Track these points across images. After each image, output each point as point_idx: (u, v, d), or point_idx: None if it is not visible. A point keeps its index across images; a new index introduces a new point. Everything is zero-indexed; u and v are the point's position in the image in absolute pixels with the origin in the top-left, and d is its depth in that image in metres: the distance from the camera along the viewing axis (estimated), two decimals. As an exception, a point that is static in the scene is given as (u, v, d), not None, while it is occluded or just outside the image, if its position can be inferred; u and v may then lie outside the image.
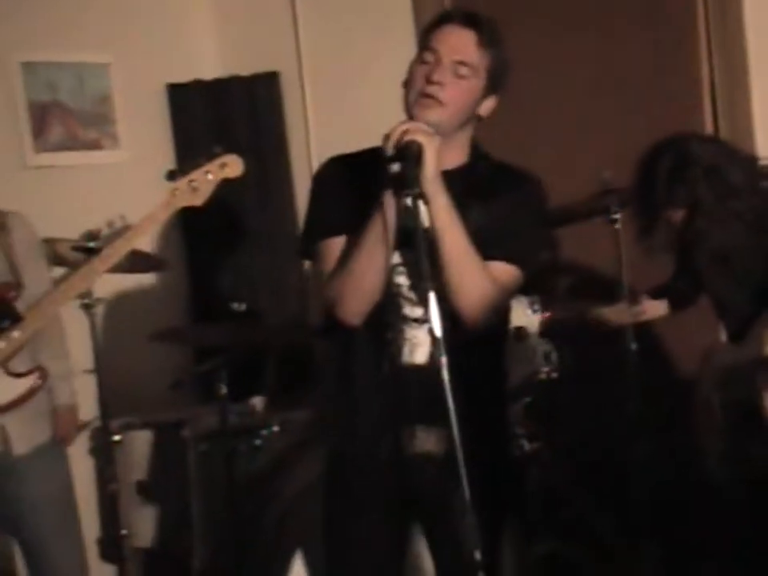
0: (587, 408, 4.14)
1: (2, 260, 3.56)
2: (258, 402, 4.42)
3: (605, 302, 4.03)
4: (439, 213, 2.52)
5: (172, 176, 3.31)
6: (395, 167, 2.47)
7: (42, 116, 4.70)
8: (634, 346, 3.94)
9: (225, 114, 5.00)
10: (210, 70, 5.08)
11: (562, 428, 4.13)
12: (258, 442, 4.09)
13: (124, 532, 4.19)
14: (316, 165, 4.67)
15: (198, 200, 3.31)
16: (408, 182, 2.43)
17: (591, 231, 4.12)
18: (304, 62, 4.92)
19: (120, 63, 4.86)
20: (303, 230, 2.80)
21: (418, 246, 2.38)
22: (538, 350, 4.05)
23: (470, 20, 2.59)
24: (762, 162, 3.52)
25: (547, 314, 4.06)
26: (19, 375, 3.49)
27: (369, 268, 2.59)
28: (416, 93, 2.59)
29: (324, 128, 4.88)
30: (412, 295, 2.67)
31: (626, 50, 4.28)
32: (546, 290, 4.06)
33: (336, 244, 2.68)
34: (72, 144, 4.78)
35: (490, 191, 2.66)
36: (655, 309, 3.87)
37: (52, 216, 4.17)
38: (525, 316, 4.01)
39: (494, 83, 2.65)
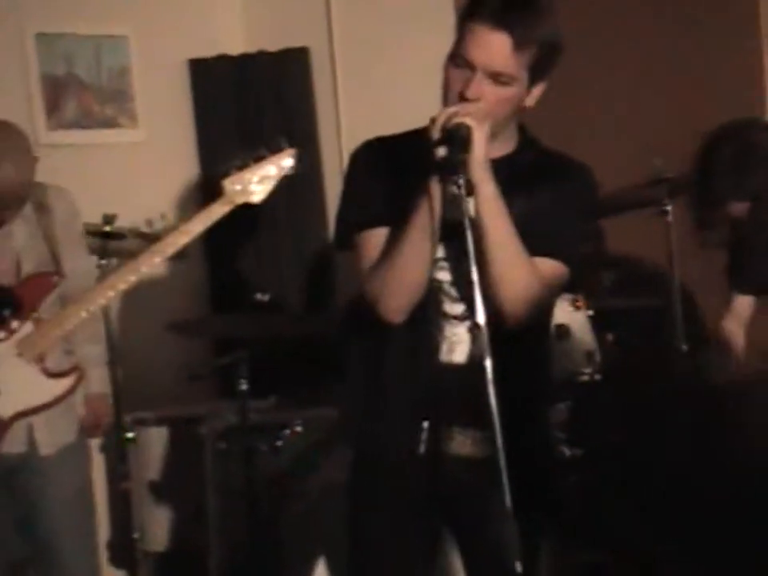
0: (633, 412, 3.95)
1: (42, 244, 3.42)
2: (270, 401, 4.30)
3: (653, 297, 3.90)
4: (486, 202, 2.42)
5: (225, 174, 3.22)
6: (441, 151, 2.37)
7: (55, 91, 4.61)
8: (684, 347, 3.83)
9: (251, 93, 4.91)
10: (235, 44, 4.99)
11: (606, 433, 3.94)
12: (279, 442, 3.97)
13: (136, 536, 4.15)
14: (346, 147, 4.66)
15: (257, 198, 3.23)
16: (454, 168, 2.34)
17: (640, 222, 4.01)
18: (335, 38, 4.85)
19: (139, 36, 4.76)
20: (339, 218, 2.67)
21: (464, 235, 2.30)
22: (580, 350, 3.95)
23: (501, 19, 2.41)
24: None
25: (590, 312, 3.95)
26: (57, 376, 3.37)
27: (414, 261, 2.50)
28: (454, 102, 2.47)
29: (355, 107, 4.81)
30: (453, 291, 2.58)
31: (682, 32, 4.18)
32: (590, 285, 3.87)
33: (377, 235, 2.56)
34: (87, 122, 4.67)
35: (536, 180, 2.55)
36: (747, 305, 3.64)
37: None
38: (567, 313, 3.92)
39: (540, 74, 2.51)
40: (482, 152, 2.38)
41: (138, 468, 4.21)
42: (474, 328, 2.40)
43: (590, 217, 2.65)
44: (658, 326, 3.89)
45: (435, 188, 2.43)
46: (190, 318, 4.62)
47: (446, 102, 2.48)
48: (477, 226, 2.38)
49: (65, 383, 3.38)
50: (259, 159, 3.20)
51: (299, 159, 3.24)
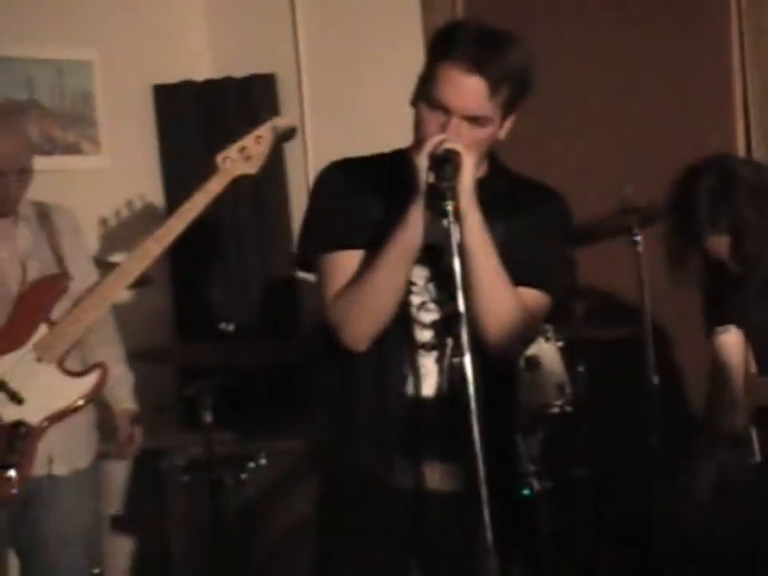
0: (605, 444, 3.93)
1: (48, 250, 3.38)
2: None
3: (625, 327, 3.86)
4: (473, 231, 2.41)
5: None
6: (430, 177, 2.36)
7: None
8: (656, 380, 3.79)
9: (216, 118, 4.88)
10: (201, 70, 4.98)
11: (577, 465, 3.93)
12: (244, 475, 3.94)
13: (97, 571, 3.85)
14: (313, 172, 4.60)
15: (252, 168, 3.21)
16: (443, 194, 2.32)
17: (610, 251, 3.98)
18: (302, 64, 4.85)
19: (104, 61, 4.72)
20: (302, 239, 2.64)
21: (453, 263, 2.29)
22: (550, 382, 3.93)
23: (476, 63, 2.40)
24: None
25: (561, 343, 3.95)
26: (80, 375, 3.30)
27: (388, 288, 2.48)
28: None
29: (322, 133, 4.80)
30: (422, 317, 2.55)
31: (653, 58, 4.17)
32: (560, 315, 3.83)
33: (343, 258, 2.54)
34: (49, 147, 4.61)
35: (512, 208, 2.54)
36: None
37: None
38: (537, 344, 3.89)
39: (513, 109, 2.50)
40: (470, 180, 2.37)
41: (99, 501, 4.01)
42: (445, 357, 2.49)
43: (569, 245, 2.63)
44: (630, 357, 3.85)
45: (417, 214, 2.40)
46: (153, 346, 4.51)
47: (419, 142, 2.44)
48: (464, 254, 2.35)
49: (89, 381, 3.30)
50: (244, 133, 3.20)
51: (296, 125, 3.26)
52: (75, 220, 3.49)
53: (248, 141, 3.18)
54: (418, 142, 2.42)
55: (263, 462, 3.97)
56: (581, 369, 3.93)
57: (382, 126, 4.39)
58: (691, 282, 3.22)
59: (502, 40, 2.44)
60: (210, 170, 3.25)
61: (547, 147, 4.22)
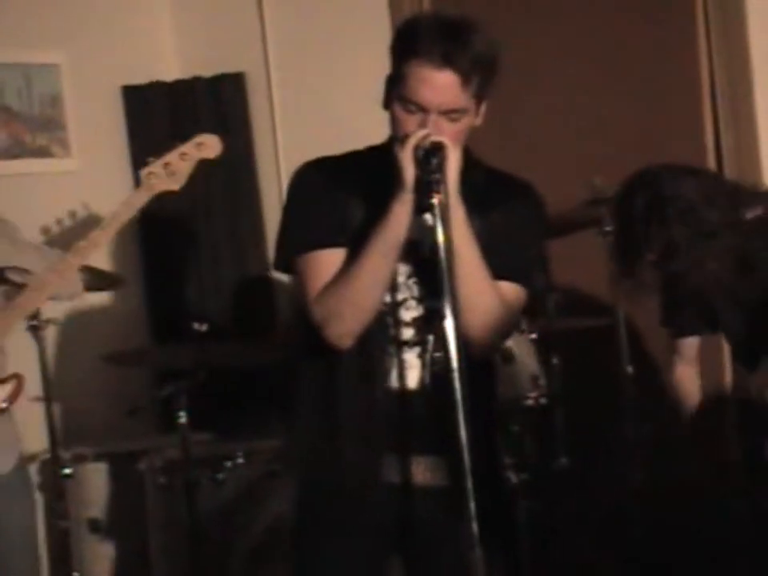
0: (580, 435, 3.94)
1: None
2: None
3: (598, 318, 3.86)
4: (457, 227, 2.38)
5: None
6: (416, 171, 2.37)
7: None
8: (630, 370, 3.79)
9: (186, 118, 4.86)
10: (170, 70, 4.96)
11: (553, 457, 3.93)
12: (221, 475, 3.91)
13: (75, 575, 4.07)
14: (284, 170, 4.65)
15: (176, 184, 3.25)
16: (430, 188, 2.32)
17: (580, 242, 3.97)
18: (271, 62, 4.82)
19: (71, 63, 4.70)
20: (281, 240, 2.62)
21: (442, 259, 2.27)
22: (524, 374, 3.91)
23: (444, 57, 2.40)
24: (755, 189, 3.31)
25: (533, 335, 3.92)
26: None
27: (372, 284, 2.48)
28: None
29: (292, 131, 4.79)
30: (403, 314, 2.55)
31: (621, 51, 4.16)
32: (532, 308, 3.82)
33: (325, 257, 2.53)
34: (18, 151, 4.61)
35: (487, 202, 2.53)
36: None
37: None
38: (510, 337, 3.74)
39: (484, 94, 2.50)
40: (455, 173, 2.37)
41: (77, 505, 4.13)
42: (427, 352, 2.49)
43: (544, 239, 2.65)
44: (603, 347, 3.85)
45: (402, 209, 2.40)
46: (127, 348, 4.53)
47: (404, 137, 2.43)
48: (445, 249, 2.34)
49: (5, 389, 3.28)
50: (170, 148, 3.23)
51: (219, 142, 3.27)
52: (16, 227, 3.48)
53: (173, 157, 3.22)
54: (402, 137, 2.41)
55: (240, 461, 3.95)
56: (555, 360, 3.94)
57: (352, 123, 4.40)
58: (642, 293, 3.24)
59: (465, 29, 2.43)
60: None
61: (517, 139, 4.21)
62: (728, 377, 4.03)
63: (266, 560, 3.75)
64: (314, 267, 2.53)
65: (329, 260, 2.51)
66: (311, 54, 4.71)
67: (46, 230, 4.21)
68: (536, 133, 4.25)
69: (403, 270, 2.53)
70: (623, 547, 3.82)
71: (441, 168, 2.34)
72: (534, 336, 3.90)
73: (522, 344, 3.89)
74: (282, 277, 4.70)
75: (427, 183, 2.33)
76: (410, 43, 2.43)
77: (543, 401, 3.89)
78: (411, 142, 2.37)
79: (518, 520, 3.74)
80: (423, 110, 2.42)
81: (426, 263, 2.46)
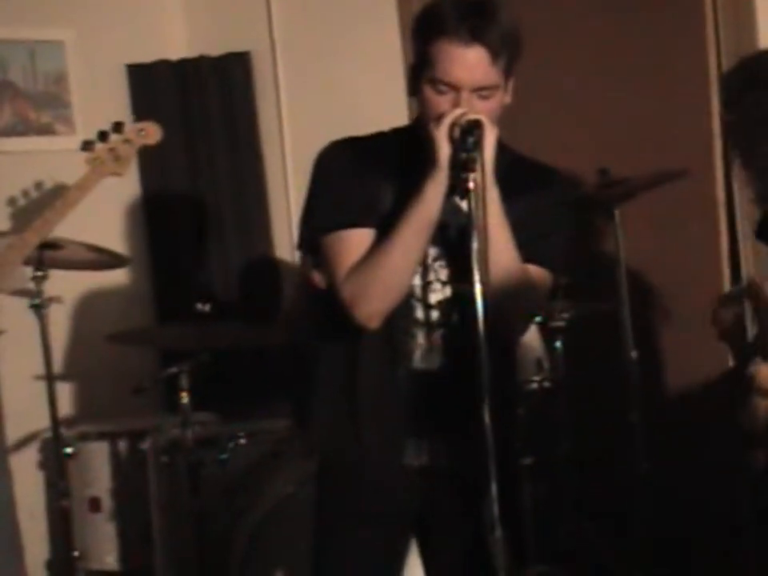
0: (584, 419, 3.93)
1: None
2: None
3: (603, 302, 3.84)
4: (491, 205, 2.36)
5: (88, 146, 3.41)
6: (448, 150, 2.36)
7: None
8: (634, 354, 3.78)
9: (192, 97, 4.84)
10: (175, 49, 4.91)
11: (557, 441, 3.92)
12: (224, 455, 3.90)
13: (76, 554, 4.04)
14: (290, 151, 4.64)
15: (122, 169, 3.44)
16: (466, 166, 2.30)
17: (586, 227, 4.03)
18: (277, 42, 4.79)
19: (77, 41, 4.66)
20: (308, 218, 2.61)
21: (473, 238, 2.25)
22: (528, 358, 3.88)
23: (473, 33, 2.40)
24: None
25: (538, 319, 3.88)
26: None
27: (404, 264, 2.47)
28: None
29: (298, 111, 4.76)
30: (429, 296, 2.55)
31: (629, 35, 4.12)
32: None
33: (354, 236, 2.51)
34: (23, 128, 4.58)
35: (513, 187, 2.50)
36: None
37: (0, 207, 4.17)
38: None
39: (512, 70, 2.51)
40: (492, 152, 2.36)
41: (79, 484, 4.11)
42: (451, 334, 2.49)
43: (570, 223, 2.63)
44: (608, 332, 3.84)
45: (436, 189, 2.39)
46: (132, 327, 4.53)
47: (439, 117, 2.42)
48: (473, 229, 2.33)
49: None
50: (113, 134, 3.42)
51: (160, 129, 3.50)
52: None
53: (117, 143, 3.41)
54: (437, 117, 2.40)
55: (243, 442, 3.94)
56: (559, 345, 3.92)
57: (358, 103, 4.40)
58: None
59: (489, 5, 2.43)
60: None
61: (526, 127, 4.17)
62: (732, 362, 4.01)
63: (269, 540, 3.72)
64: (344, 246, 2.51)
65: (358, 240, 2.50)
66: (317, 33, 4.68)
67: (11, 202, 4.26)
68: (546, 120, 4.20)
69: (431, 252, 2.52)
70: (627, 532, 3.82)
71: (477, 146, 2.32)
72: (538, 320, 3.86)
73: (526, 328, 3.88)
74: (288, 258, 4.72)
75: (463, 162, 2.32)
76: (436, 24, 2.42)
77: (547, 385, 3.87)
78: (447, 121, 2.37)
79: (522, 503, 3.74)
80: (455, 89, 2.41)
81: (454, 245, 2.47)
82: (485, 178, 2.32)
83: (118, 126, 3.41)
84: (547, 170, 2.62)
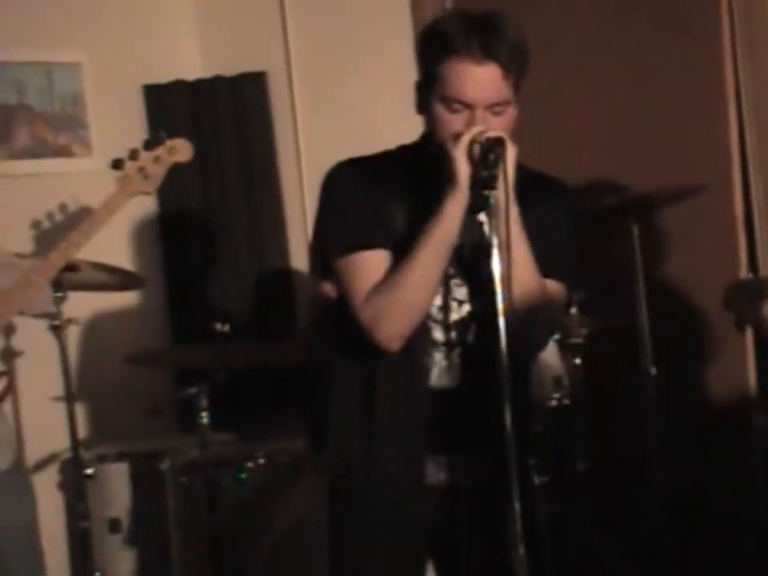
0: (603, 436, 3.90)
1: None
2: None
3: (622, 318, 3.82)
4: (513, 224, 2.38)
5: (118, 164, 3.36)
6: (475, 168, 2.35)
7: (7, 120, 4.50)
8: (653, 371, 3.78)
9: (208, 118, 4.85)
10: (191, 70, 4.92)
11: (576, 458, 3.90)
12: (242, 475, 3.88)
13: (97, 575, 4.03)
14: (306, 171, 4.63)
15: (151, 187, 3.38)
16: (487, 185, 2.31)
17: (606, 241, 3.95)
18: (293, 62, 4.79)
19: (93, 63, 4.66)
20: (321, 242, 2.58)
21: (493, 257, 2.27)
22: (547, 375, 3.87)
23: (484, 50, 2.39)
24: None
25: (557, 336, 3.85)
26: None
27: (425, 284, 2.45)
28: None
29: (314, 131, 4.75)
30: (442, 317, 2.54)
31: (645, 48, 4.09)
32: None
33: (371, 257, 2.49)
34: (40, 150, 4.57)
35: (526, 200, 2.47)
36: None
37: (19, 230, 4.16)
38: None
39: (521, 83, 2.49)
40: (513, 169, 2.34)
41: (98, 505, 4.10)
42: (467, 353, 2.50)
43: (579, 235, 2.61)
44: (627, 348, 3.82)
45: (455, 207, 2.38)
46: (149, 348, 4.54)
47: (456, 136, 2.41)
48: (502, 245, 2.33)
49: None
50: (143, 153, 3.36)
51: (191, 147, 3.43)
52: None
53: (146, 161, 3.36)
54: (454, 136, 2.39)
55: (261, 462, 3.91)
56: (577, 361, 3.90)
57: (374, 122, 4.40)
58: None
59: (496, 20, 2.42)
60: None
61: (543, 142, 4.16)
62: (752, 378, 4.00)
63: (285, 560, 3.72)
64: (360, 269, 2.49)
65: (374, 261, 2.48)
66: (333, 53, 4.69)
67: (36, 224, 4.27)
68: (562, 134, 4.20)
69: (446, 272, 2.51)
70: (646, 549, 3.79)
71: (498, 164, 2.31)
72: (557, 337, 3.85)
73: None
74: (304, 277, 4.72)
75: (484, 180, 2.31)
76: (446, 42, 2.41)
77: (566, 402, 3.86)
78: (466, 139, 2.36)
79: (540, 521, 3.72)
80: (468, 106, 2.40)
81: (469, 264, 2.47)
82: (509, 195, 2.32)
83: (148, 144, 3.37)
84: (555, 182, 2.61)
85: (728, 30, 3.94)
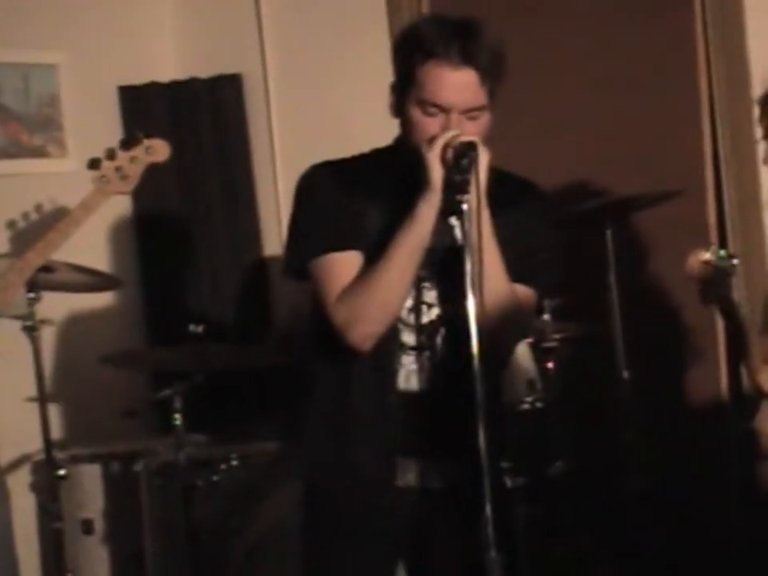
0: (577, 440, 3.92)
1: None
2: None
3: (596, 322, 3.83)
4: (484, 228, 2.39)
5: (95, 164, 3.36)
6: (448, 172, 2.37)
7: None
8: (627, 375, 3.78)
9: (183, 119, 4.85)
10: (167, 71, 4.92)
11: (550, 461, 3.91)
12: (216, 477, 3.89)
13: None
14: (281, 172, 4.59)
15: (127, 187, 3.39)
16: (460, 189, 2.32)
17: (578, 246, 3.89)
18: (268, 64, 4.80)
19: (69, 64, 4.65)
20: (294, 245, 2.59)
21: (466, 259, 2.29)
22: (521, 378, 3.90)
23: (462, 55, 2.40)
24: None
25: (530, 339, 3.88)
26: None
27: (397, 285, 2.47)
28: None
29: (289, 133, 4.76)
30: (412, 319, 2.54)
31: (619, 55, 4.11)
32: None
33: (344, 259, 2.51)
34: (15, 151, 4.56)
35: (496, 204, 2.48)
36: None
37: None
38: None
39: (497, 88, 2.50)
40: (486, 173, 2.36)
41: (71, 507, 4.08)
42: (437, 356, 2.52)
43: (553, 238, 2.63)
44: (600, 352, 3.83)
45: (428, 210, 2.39)
46: (124, 350, 4.52)
47: (431, 140, 2.42)
48: (473, 249, 2.34)
49: None
50: (121, 152, 3.36)
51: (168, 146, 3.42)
52: None
53: (123, 161, 3.35)
54: (429, 140, 2.40)
55: (236, 464, 3.93)
56: (551, 365, 3.92)
57: (349, 125, 4.40)
58: None
59: (474, 26, 2.43)
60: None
61: (516, 145, 4.17)
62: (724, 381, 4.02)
63: (261, 562, 3.73)
64: (333, 270, 2.50)
65: (347, 263, 2.49)
66: (309, 55, 4.68)
67: (10, 225, 4.26)
68: (534, 139, 4.20)
69: (416, 275, 2.52)
70: (622, 551, 3.80)
71: (471, 168, 2.33)
72: (530, 340, 3.87)
73: (518, 348, 3.86)
74: (279, 280, 4.71)
75: (456, 184, 2.33)
76: (424, 45, 2.41)
77: (540, 405, 3.87)
78: (440, 143, 2.37)
79: (514, 524, 3.73)
80: (444, 111, 2.41)
81: (440, 267, 2.48)
82: (480, 200, 2.33)
83: (125, 144, 3.38)
84: (527, 185, 2.62)
85: (702, 39, 3.96)
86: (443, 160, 2.37)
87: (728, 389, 3.98)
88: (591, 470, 3.96)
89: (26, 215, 4.26)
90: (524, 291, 2.54)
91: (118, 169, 3.33)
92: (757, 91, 3.55)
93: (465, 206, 2.30)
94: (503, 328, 2.46)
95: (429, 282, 2.54)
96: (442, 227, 2.46)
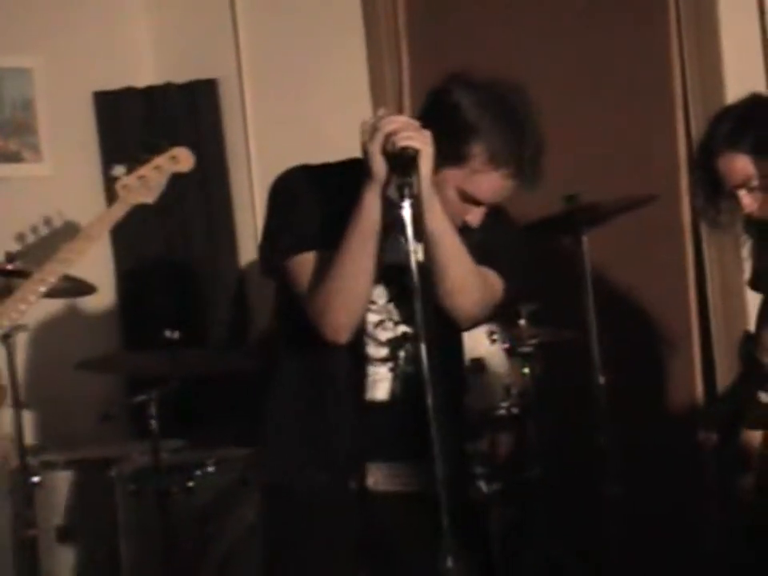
0: (552, 445, 3.93)
1: None
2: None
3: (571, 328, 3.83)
4: (437, 217, 2.43)
5: (119, 173, 3.32)
6: (381, 162, 2.39)
7: None
8: (602, 380, 3.77)
9: (158, 125, 4.85)
10: (142, 76, 4.93)
11: (525, 466, 3.91)
12: (191, 483, 3.88)
13: None
14: (257, 177, 4.62)
15: (150, 197, 3.30)
16: (401, 193, 2.34)
17: (554, 253, 4.01)
18: (244, 69, 4.82)
19: (44, 68, 4.68)
20: (270, 243, 2.61)
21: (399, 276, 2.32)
22: (496, 384, 3.89)
23: (519, 169, 2.49)
24: None
25: (507, 345, 3.90)
26: None
27: (355, 272, 2.48)
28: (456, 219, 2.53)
29: (265, 138, 4.78)
30: (379, 334, 2.61)
31: (596, 64, 4.16)
32: (506, 317, 3.81)
33: (317, 257, 2.53)
34: (-11, 155, 4.58)
35: (466, 228, 2.55)
36: None
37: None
38: (482, 347, 3.87)
39: None
40: (428, 169, 2.37)
41: (45, 513, 4.05)
42: (398, 367, 2.57)
43: (522, 256, 2.68)
44: (576, 358, 3.84)
45: (372, 196, 2.42)
46: (99, 355, 4.47)
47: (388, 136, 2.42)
48: (429, 242, 2.37)
49: None
50: (144, 161, 3.27)
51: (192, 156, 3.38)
52: None
53: (147, 170, 3.27)
54: (371, 130, 2.40)
55: (211, 469, 3.93)
56: (527, 370, 3.92)
57: (325, 130, 4.40)
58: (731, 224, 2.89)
59: (540, 143, 2.52)
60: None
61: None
62: (699, 387, 4.04)
63: (237, 568, 3.73)
64: (307, 267, 2.53)
65: (322, 261, 2.52)
66: (284, 61, 4.70)
67: (21, 237, 4.22)
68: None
69: (384, 293, 2.58)
70: (597, 557, 3.81)
71: (411, 169, 2.34)
72: (506, 346, 3.89)
73: (494, 354, 3.87)
74: (255, 284, 4.72)
75: (398, 187, 2.34)
76: (488, 149, 2.45)
77: (515, 411, 3.87)
78: (380, 135, 2.38)
79: (489, 530, 3.74)
80: (477, 204, 2.50)
81: (406, 286, 2.48)
82: (420, 202, 2.33)
83: (148, 151, 3.34)
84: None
85: (677, 46, 3.99)
86: (384, 151, 2.38)
87: (703, 394, 4.00)
88: (567, 475, 3.97)
89: (34, 228, 4.24)
90: (490, 273, 2.57)
91: (140, 178, 3.26)
92: (731, 95, 3.62)
93: (404, 213, 2.31)
94: (472, 301, 2.52)
95: (396, 300, 2.59)
96: (404, 246, 2.47)
